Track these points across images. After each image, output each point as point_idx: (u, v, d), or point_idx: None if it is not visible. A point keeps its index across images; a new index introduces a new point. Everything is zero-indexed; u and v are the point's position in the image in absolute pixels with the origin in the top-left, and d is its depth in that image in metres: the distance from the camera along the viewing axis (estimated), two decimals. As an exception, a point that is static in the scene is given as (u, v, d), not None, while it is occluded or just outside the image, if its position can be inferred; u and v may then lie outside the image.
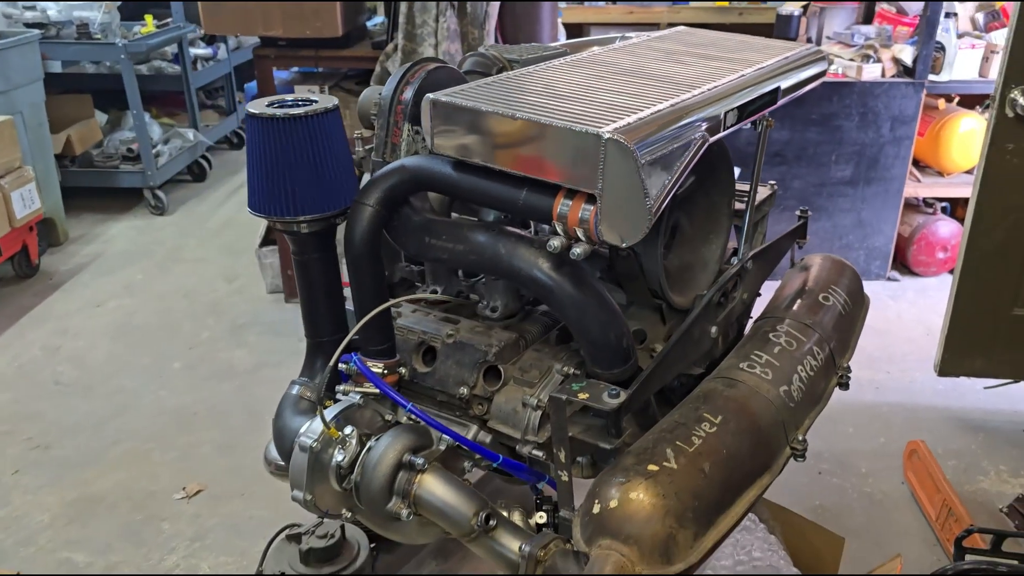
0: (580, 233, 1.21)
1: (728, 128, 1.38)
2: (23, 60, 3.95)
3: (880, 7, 3.71)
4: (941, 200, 3.84)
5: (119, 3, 4.51)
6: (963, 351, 2.74)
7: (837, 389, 1.68)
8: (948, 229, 3.71)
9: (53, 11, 4.40)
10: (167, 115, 5.36)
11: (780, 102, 1.56)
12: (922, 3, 3.33)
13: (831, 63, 3.52)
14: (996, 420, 2.87)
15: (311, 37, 3.01)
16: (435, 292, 1.59)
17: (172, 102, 5.45)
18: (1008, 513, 2.37)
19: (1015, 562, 1.90)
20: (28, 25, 4.31)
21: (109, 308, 3.71)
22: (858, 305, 1.84)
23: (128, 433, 2.86)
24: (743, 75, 1.46)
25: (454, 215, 1.56)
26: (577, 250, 1.22)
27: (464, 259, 1.36)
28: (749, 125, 1.54)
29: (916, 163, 3.73)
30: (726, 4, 4.73)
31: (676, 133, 1.23)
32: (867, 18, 3.79)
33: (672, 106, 1.26)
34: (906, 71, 3.41)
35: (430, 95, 1.29)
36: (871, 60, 3.35)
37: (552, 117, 1.19)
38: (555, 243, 1.23)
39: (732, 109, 1.37)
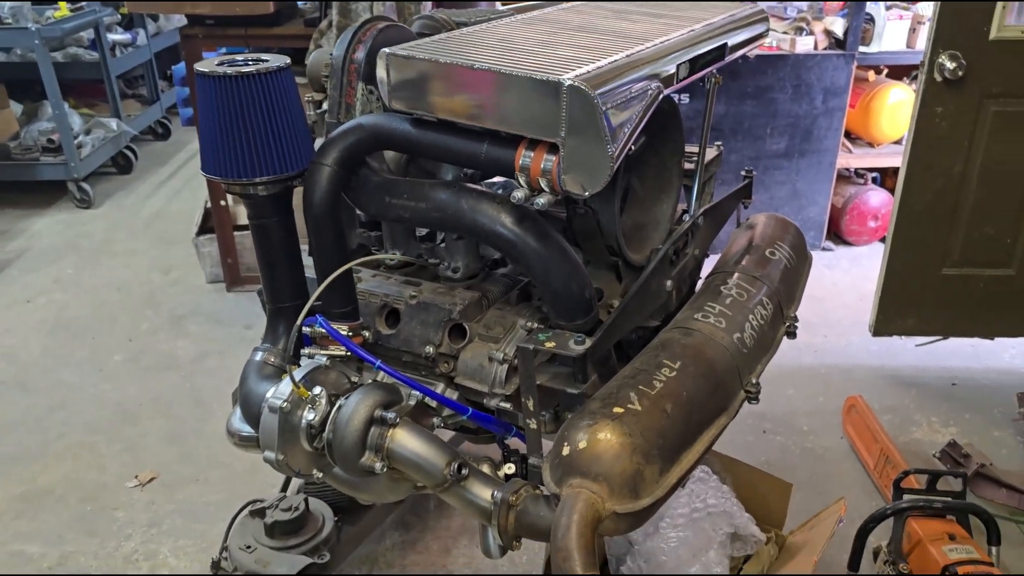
0: (543, 184, 1.23)
1: (681, 81, 1.42)
2: None
3: (812, -20, 3.83)
4: (872, 170, 3.99)
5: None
6: (896, 311, 2.86)
7: (785, 338, 1.75)
8: (879, 199, 3.85)
9: None
10: (86, 105, 5.14)
11: (727, 59, 1.61)
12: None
13: (769, 29, 3.62)
14: (927, 376, 3.02)
15: (241, 15, 2.94)
16: (394, 255, 1.59)
17: (90, 91, 5.21)
18: (940, 458, 2.50)
19: (948, 498, 2.02)
20: None
21: (39, 304, 3.58)
22: (802, 259, 1.92)
23: (71, 426, 2.77)
24: (692, 30, 1.50)
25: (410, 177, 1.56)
26: (540, 200, 1.23)
27: (426, 217, 1.37)
28: (693, 86, 1.58)
29: (848, 134, 3.86)
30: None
31: (633, 83, 1.26)
32: (800, -9, 3.90)
33: (627, 57, 1.29)
34: (837, 43, 3.52)
35: (386, 49, 1.29)
36: (804, 33, 3.45)
37: (512, 67, 1.21)
38: (518, 195, 1.25)
39: (684, 63, 1.40)
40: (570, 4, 1.72)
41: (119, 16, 5.19)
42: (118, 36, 5.16)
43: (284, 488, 2.09)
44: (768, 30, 1.78)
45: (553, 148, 1.21)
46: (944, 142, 2.61)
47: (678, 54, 1.40)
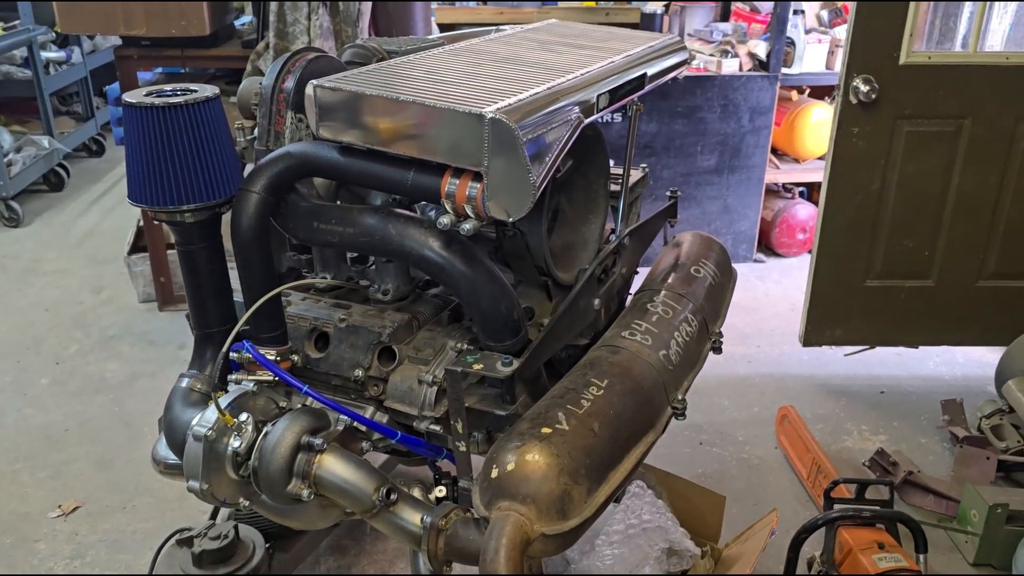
0: (468, 210, 1.26)
1: (601, 111, 1.46)
2: None
3: (735, 6, 3.96)
4: (799, 185, 4.13)
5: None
6: (823, 322, 2.96)
7: (712, 354, 1.80)
8: (806, 212, 3.99)
9: None
10: (18, 122, 5.06)
11: (647, 87, 1.67)
12: (772, 2, 3.58)
13: (693, 58, 3.73)
14: (856, 384, 3.11)
15: (177, 36, 2.91)
16: (324, 279, 1.60)
17: (23, 109, 5.14)
18: (870, 466, 2.57)
19: (876, 507, 2.08)
20: None
21: (-38, 325, 3.46)
22: (727, 276, 1.99)
23: (-8, 454, 2.69)
24: (612, 62, 1.55)
25: (339, 202, 1.58)
26: (466, 226, 1.26)
27: (355, 242, 1.39)
28: (620, 110, 1.63)
29: (775, 151, 4.00)
30: (593, 4, 4.91)
31: (554, 114, 1.30)
32: (724, 16, 4.03)
33: (548, 89, 1.33)
34: (761, 65, 3.65)
35: (314, 81, 1.31)
36: (729, 55, 3.57)
37: (436, 99, 1.24)
38: (444, 220, 1.28)
39: (604, 93, 1.45)
40: (497, 35, 1.76)
41: (54, 34, 5.13)
42: (52, 54, 5.09)
43: (213, 516, 2.06)
44: (687, 59, 1.85)
45: (477, 176, 1.24)
46: (862, 160, 2.72)
47: (598, 85, 1.44)
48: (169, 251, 3.45)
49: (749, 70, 3.63)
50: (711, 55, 3.60)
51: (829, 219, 2.81)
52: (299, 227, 1.42)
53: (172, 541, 1.96)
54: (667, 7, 3.83)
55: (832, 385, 3.11)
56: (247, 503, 1.43)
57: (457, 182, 1.25)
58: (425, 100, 1.23)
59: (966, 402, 2.79)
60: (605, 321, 1.72)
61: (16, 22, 4.66)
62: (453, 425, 1.34)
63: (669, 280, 1.79)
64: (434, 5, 4.72)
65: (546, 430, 1.30)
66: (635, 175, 1.94)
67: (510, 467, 1.26)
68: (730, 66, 3.54)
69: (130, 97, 1.33)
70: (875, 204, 2.77)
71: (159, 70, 3.49)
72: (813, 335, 2.98)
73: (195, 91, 1.36)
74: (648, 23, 3.68)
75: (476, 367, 1.31)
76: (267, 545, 1.97)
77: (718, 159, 3.71)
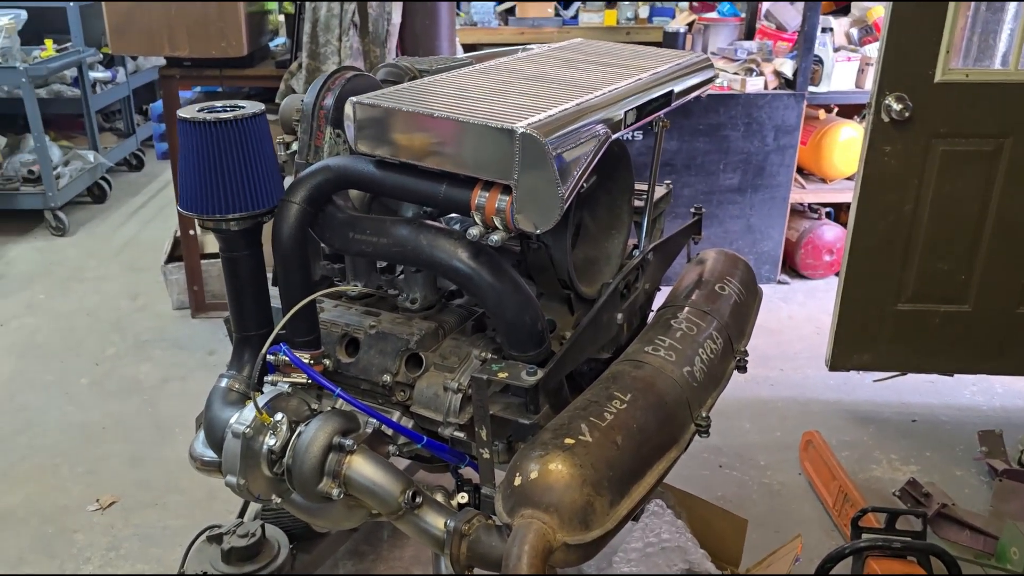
0: (497, 222, 1.31)
1: (627, 127, 1.51)
2: None
3: (761, 24, 3.99)
4: (825, 205, 4.14)
5: (19, 27, 4.41)
6: (851, 346, 2.88)
7: (736, 372, 1.82)
8: (833, 233, 3.98)
9: None
10: (66, 138, 5.28)
11: (674, 104, 1.71)
12: (799, 20, 3.61)
13: (717, 75, 3.76)
14: (886, 412, 3.04)
15: (216, 57, 3.02)
16: (356, 287, 1.66)
17: (71, 125, 5.38)
18: (900, 496, 2.48)
19: (909, 539, 1.99)
20: None
21: (11, 328, 3.60)
22: (752, 294, 2.01)
23: (35, 449, 2.79)
24: (639, 79, 1.59)
25: (373, 214, 1.63)
26: (494, 237, 1.31)
27: (387, 252, 1.44)
28: (646, 127, 1.67)
29: (801, 171, 4.01)
30: (614, 24, 4.97)
31: (582, 130, 1.35)
32: (749, 34, 4.06)
33: (577, 106, 1.38)
34: (787, 83, 3.67)
35: (353, 98, 1.37)
36: (754, 73, 3.60)
37: (469, 115, 1.29)
38: (474, 232, 1.32)
39: (631, 109, 1.50)
40: (524, 54, 1.81)
41: (101, 55, 5.36)
42: (99, 74, 5.32)
43: (241, 514, 2.13)
44: (714, 76, 1.89)
45: (507, 189, 1.29)
46: (894, 180, 2.68)
47: (625, 102, 1.49)
48: (203, 261, 3.56)
49: (774, 88, 3.66)
50: (735, 73, 3.63)
51: (859, 239, 2.77)
52: (335, 237, 1.47)
53: (203, 537, 2.02)
54: (690, 26, 3.87)
55: (860, 411, 3.05)
56: (279, 500, 1.48)
57: (487, 195, 1.30)
58: (458, 116, 1.29)
59: (1006, 434, 2.73)
60: (627, 336, 1.75)
61: (68, 44, 4.88)
62: (477, 432, 1.39)
63: (693, 297, 1.82)
64: (457, 26, 4.83)
65: (569, 441, 1.32)
66: (659, 191, 1.97)
67: (533, 475, 1.28)
68: (755, 84, 3.57)
69: (184, 113, 1.40)
70: (908, 225, 2.72)
71: (197, 89, 3.61)
72: (840, 359, 2.91)
73: (243, 107, 1.43)
74: (671, 42, 3.73)
75: (501, 375, 1.35)
76: (291, 545, 2.02)
77: (741, 178, 3.73)
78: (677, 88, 1.71)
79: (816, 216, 4.08)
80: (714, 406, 1.67)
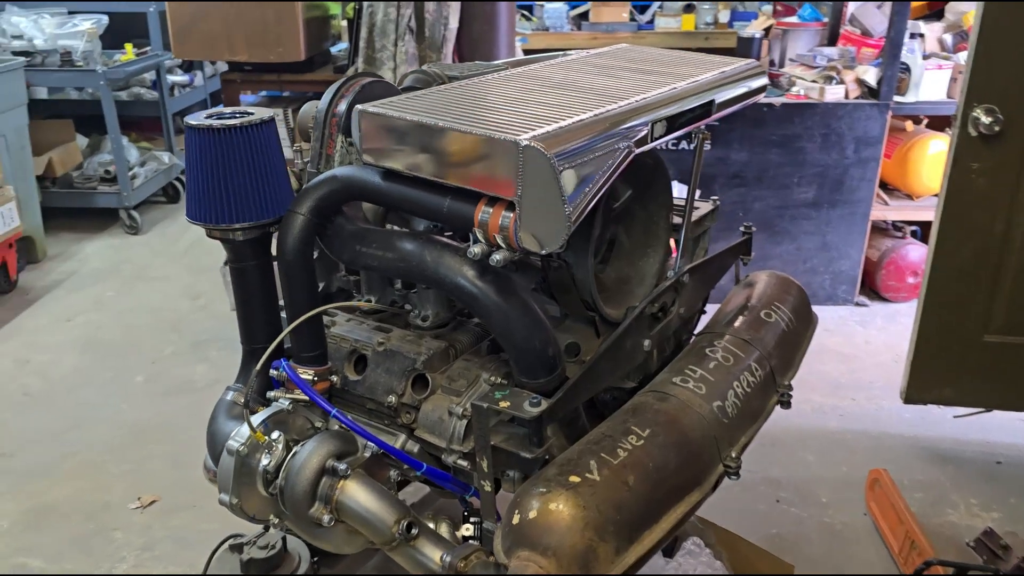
0: (500, 240, 1.22)
1: (657, 139, 1.39)
2: (6, 86, 4.06)
3: (844, 29, 3.76)
4: (911, 223, 3.86)
5: (100, 32, 4.58)
6: (930, 379, 2.66)
7: (779, 408, 1.67)
8: (918, 253, 3.71)
9: (39, 40, 4.50)
10: (145, 139, 5.47)
11: (716, 115, 1.58)
12: (886, 25, 3.37)
13: (793, 83, 3.56)
14: (967, 451, 2.79)
15: (275, 62, 3.04)
16: (369, 301, 1.60)
17: (150, 127, 5.57)
18: (975, 547, 2.25)
19: None
20: (15, 53, 4.42)
21: (78, 323, 3.71)
22: (804, 323, 1.85)
23: (86, 444, 2.85)
24: (675, 88, 1.47)
25: (389, 226, 1.57)
26: (497, 256, 1.22)
27: (393, 267, 1.37)
28: (684, 139, 1.56)
29: (884, 186, 3.75)
30: (692, 29, 4.80)
31: (598, 142, 1.24)
32: (832, 40, 3.83)
33: (595, 116, 1.28)
34: (871, 92, 3.44)
35: (359, 106, 1.31)
36: (834, 81, 3.39)
37: (474, 126, 1.21)
38: (476, 250, 1.24)
39: (660, 120, 1.38)
40: (560, 60, 1.72)
41: (180, 60, 5.51)
42: (178, 77, 5.49)
43: (267, 525, 2.09)
44: (765, 86, 1.74)
45: (512, 206, 1.20)
46: (982, 199, 2.46)
47: (655, 112, 1.37)
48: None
49: (856, 97, 3.43)
50: (813, 81, 3.42)
51: (940, 263, 2.55)
52: (343, 250, 1.41)
53: (225, 546, 2.00)
54: (767, 31, 3.67)
55: (938, 450, 2.80)
56: (276, 520, 1.43)
57: (491, 211, 1.22)
58: (460, 126, 1.20)
59: (1106, 483, 2.47)
60: (658, 364, 1.63)
61: (147, 48, 5.04)
62: (478, 463, 1.30)
63: (736, 324, 1.68)
64: (527, 32, 4.75)
65: (574, 478, 1.22)
66: (704, 207, 1.84)
67: (532, 515, 1.19)
68: (834, 93, 3.35)
69: (191, 119, 1.37)
70: (997, 249, 2.49)
71: (263, 93, 3.66)
72: (917, 392, 2.69)
73: (251, 114, 1.39)
74: (745, 48, 3.54)
75: (503, 404, 1.26)
76: (313, 559, 1.97)
77: (817, 192, 3.51)
78: (720, 97, 1.58)
79: (900, 235, 3.81)
80: (755, 440, 1.54)
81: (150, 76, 5.23)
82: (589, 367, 1.37)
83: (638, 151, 1.33)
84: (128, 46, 4.84)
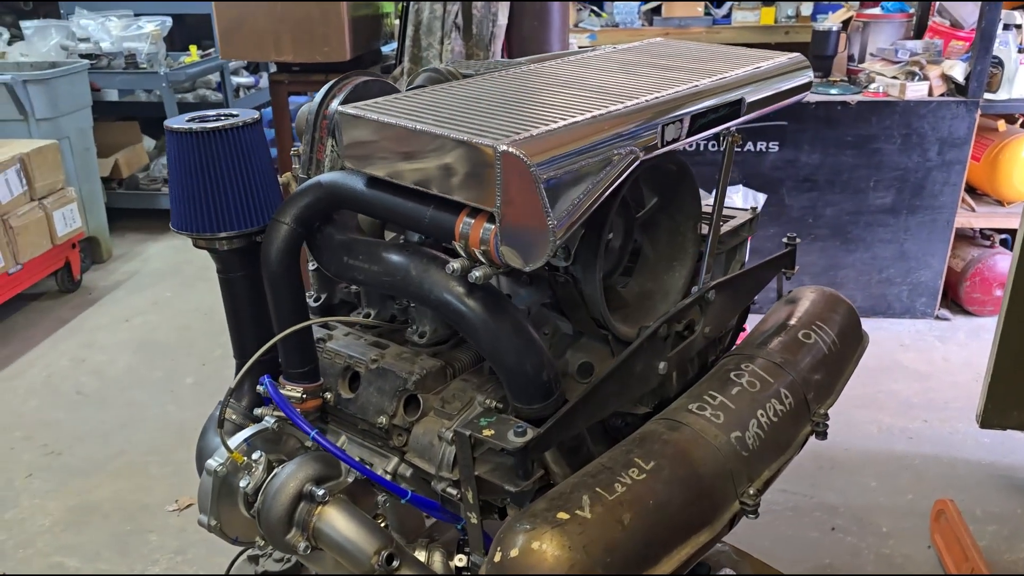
0: (480, 254, 1.11)
1: (671, 143, 1.26)
2: (71, 88, 4.16)
3: (933, 20, 3.47)
4: (1000, 231, 3.55)
5: (164, 34, 4.68)
6: (1010, 401, 2.46)
7: (813, 438, 1.51)
8: (1008, 264, 3.40)
9: (106, 43, 4.62)
10: None
11: (749, 115, 1.43)
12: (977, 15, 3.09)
13: (872, 80, 3.30)
14: None
15: (322, 62, 3.00)
16: (368, 315, 1.51)
17: None
18: None
19: None
20: (82, 56, 4.54)
21: (135, 323, 3.79)
22: (850, 346, 1.67)
23: (132, 444, 2.89)
24: (695, 86, 1.33)
25: (389, 235, 1.48)
26: (477, 272, 1.12)
27: (379, 280, 1.28)
28: (712, 140, 1.41)
29: (971, 190, 3.46)
30: (771, 23, 4.56)
31: (592, 148, 1.12)
32: (919, 33, 3.55)
33: (591, 118, 1.15)
34: (957, 89, 3.16)
35: (340, 107, 1.22)
36: (916, 77, 3.12)
37: (451, 129, 1.10)
38: (456, 265, 1.14)
39: (673, 122, 1.25)
40: (583, 56, 1.59)
41: (245, 61, 5.57)
42: (243, 79, 5.57)
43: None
44: (810, 82, 1.57)
45: (494, 217, 1.09)
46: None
47: (666, 114, 1.24)
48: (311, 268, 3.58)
49: (941, 95, 3.15)
50: (893, 77, 3.16)
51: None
52: (331, 261, 1.34)
53: (243, 557, 1.96)
54: (846, 24, 3.43)
55: (1015, 479, 2.58)
56: (263, 543, 1.36)
57: (472, 222, 1.12)
58: (436, 130, 1.10)
59: None
60: (679, 388, 1.49)
61: (212, 49, 5.11)
62: (463, 493, 1.20)
63: (769, 345, 1.52)
64: (597, 28, 4.60)
65: (563, 515, 1.11)
66: (742, 216, 1.68)
67: (513, 553, 1.09)
68: (916, 90, 3.09)
69: (172, 123, 1.32)
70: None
71: (314, 95, 3.64)
72: (995, 416, 2.48)
73: (235, 116, 1.33)
74: (820, 42, 3.31)
75: (486, 433, 1.16)
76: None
77: (895, 197, 3.25)
78: (752, 96, 1.42)
79: (988, 244, 3.51)
80: (774, 480, 1.39)
81: (216, 78, 5.29)
82: (589, 392, 1.25)
83: (645, 157, 1.20)
84: (193, 48, 4.92)
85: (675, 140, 1.27)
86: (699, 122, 1.31)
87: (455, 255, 1.19)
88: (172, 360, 3.43)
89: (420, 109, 1.21)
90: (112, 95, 5.11)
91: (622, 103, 1.22)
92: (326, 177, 1.30)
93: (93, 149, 4.36)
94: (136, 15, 4.86)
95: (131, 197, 4.83)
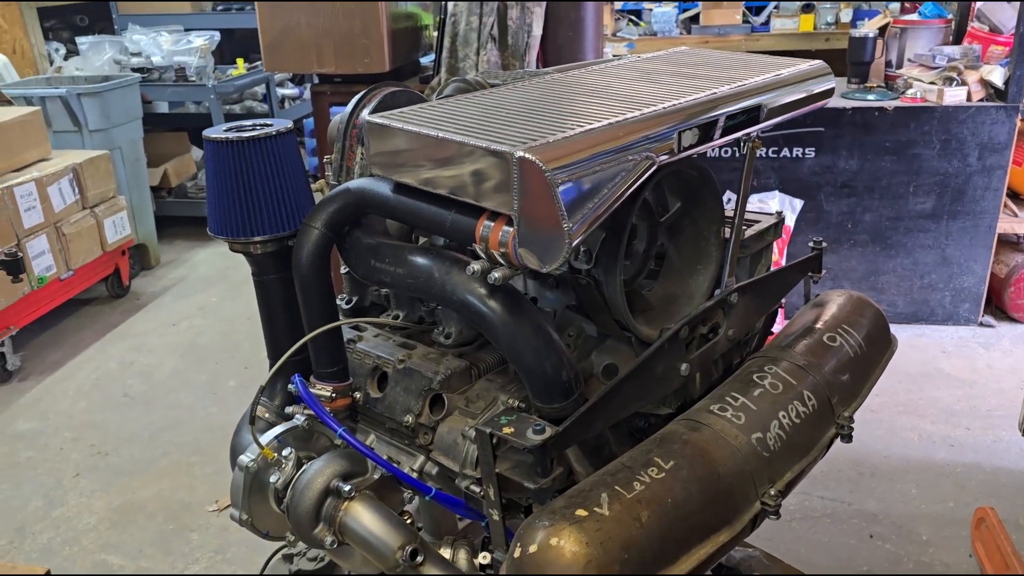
0: (500, 256, 1.15)
1: (687, 149, 1.28)
2: (123, 101, 4.33)
3: (972, 26, 3.42)
4: (1045, 237, 3.48)
5: (213, 48, 4.83)
6: None
7: (839, 441, 1.51)
8: (1055, 270, 3.33)
9: (157, 57, 4.79)
10: None
11: (768, 122, 1.45)
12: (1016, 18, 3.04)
13: (910, 85, 3.26)
14: None
15: (363, 73, 3.08)
16: (396, 317, 1.56)
17: None
18: None
19: None
20: (134, 70, 4.73)
21: (182, 328, 3.91)
22: (877, 350, 1.66)
23: (177, 445, 2.98)
24: (714, 93, 1.35)
25: (417, 240, 1.53)
26: (496, 274, 1.16)
27: (403, 283, 1.32)
28: (732, 146, 1.43)
29: (1013, 195, 3.40)
30: (811, 30, 4.53)
31: (608, 154, 1.15)
32: (957, 38, 3.50)
33: (608, 125, 1.18)
34: (997, 94, 3.12)
35: (368, 116, 1.27)
36: (954, 83, 3.08)
37: (472, 137, 1.14)
38: (476, 267, 1.18)
39: (690, 129, 1.27)
40: (607, 65, 1.62)
41: (290, 73, 5.68)
42: (288, 91, 5.71)
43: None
44: (831, 89, 1.58)
45: (512, 220, 1.13)
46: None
47: (683, 120, 1.26)
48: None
49: (980, 100, 3.11)
50: (931, 83, 3.12)
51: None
52: (359, 264, 1.38)
53: (278, 556, 2.02)
54: (883, 30, 3.39)
55: (1062, 488, 2.53)
56: (292, 537, 1.41)
57: (491, 225, 1.15)
58: (457, 137, 1.14)
59: None
60: (701, 389, 1.50)
61: (258, 63, 5.23)
62: (485, 490, 1.23)
63: (794, 348, 1.53)
64: (635, 36, 4.62)
65: (581, 512, 1.14)
66: (766, 220, 1.69)
67: (532, 549, 1.12)
68: (955, 95, 3.05)
69: (210, 132, 1.38)
70: None
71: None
72: (1038, 422, 2.44)
73: (270, 126, 1.38)
74: (857, 48, 3.29)
75: (506, 430, 1.19)
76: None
77: (936, 202, 3.21)
78: (772, 103, 1.44)
79: (1032, 249, 3.44)
80: (798, 482, 1.39)
81: (261, 90, 5.45)
82: (608, 392, 1.27)
83: (661, 162, 1.22)
84: (240, 61, 5.06)
85: (692, 146, 1.29)
86: (717, 128, 1.33)
87: (477, 258, 1.22)
88: (216, 363, 3.53)
89: (444, 118, 1.25)
90: (163, 107, 5.29)
91: (639, 110, 1.25)
92: (355, 183, 1.35)
93: (143, 159, 4.52)
94: (186, 30, 5.03)
95: (179, 205, 4.99)
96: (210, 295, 4.26)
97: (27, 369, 3.55)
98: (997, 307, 3.47)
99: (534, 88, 1.43)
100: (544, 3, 2.83)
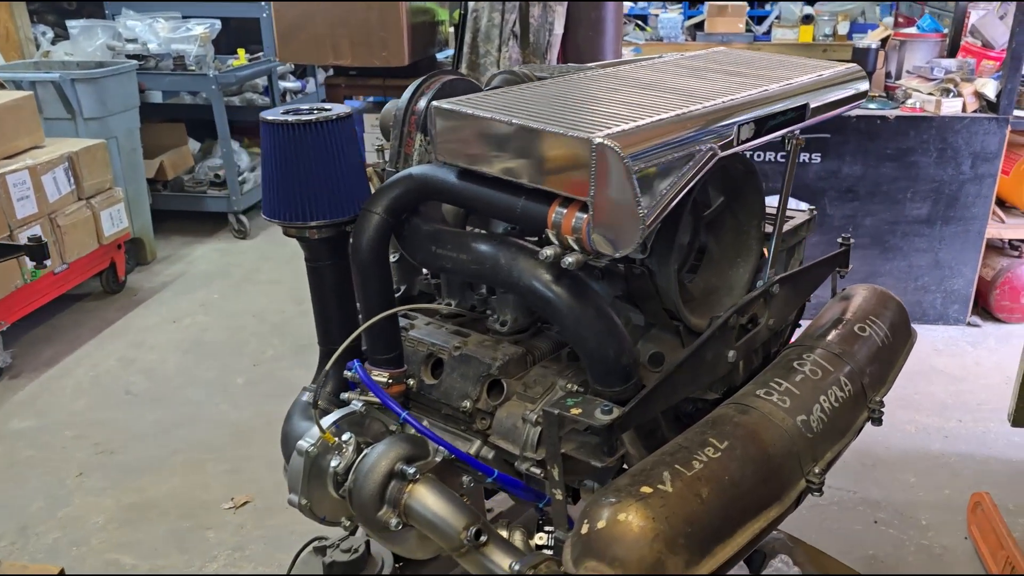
0: (573, 242, 1.19)
1: (744, 143, 1.33)
2: (120, 89, 4.18)
3: (965, 41, 3.56)
4: (1028, 243, 3.61)
5: (213, 37, 4.72)
6: None
7: (879, 428, 1.58)
8: (1036, 273, 3.47)
9: (153, 44, 4.65)
10: (257, 145, 5.59)
11: (812, 120, 1.51)
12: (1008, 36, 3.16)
13: (909, 95, 3.37)
14: None
15: (379, 66, 3.08)
16: (449, 305, 1.59)
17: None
18: None
19: None
20: (129, 57, 4.57)
21: (184, 324, 3.87)
22: (901, 339, 1.74)
23: (188, 443, 2.95)
24: (765, 90, 1.41)
25: (469, 228, 1.56)
26: (569, 259, 1.19)
27: (467, 269, 1.36)
28: (781, 141, 1.49)
29: (1001, 203, 3.53)
30: (810, 41, 4.65)
31: (678, 143, 1.20)
32: (952, 51, 3.63)
33: (676, 116, 1.23)
34: (989, 106, 3.24)
35: (435, 102, 1.30)
36: (951, 94, 3.20)
37: (547, 123, 1.18)
38: (548, 252, 1.21)
39: (747, 123, 1.32)
40: (654, 61, 1.67)
41: (292, 66, 5.59)
42: (290, 84, 5.58)
43: (354, 529, 2.11)
44: (866, 91, 1.65)
45: (586, 207, 1.17)
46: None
47: (742, 114, 1.32)
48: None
49: (974, 111, 3.24)
50: (929, 94, 3.24)
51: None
52: (418, 251, 1.41)
53: (309, 548, 2.02)
54: (883, 42, 3.51)
55: (1048, 476, 2.66)
56: (348, 523, 1.43)
57: (564, 211, 1.19)
58: (534, 124, 1.18)
59: None
60: (744, 376, 1.56)
61: (260, 54, 5.14)
62: (549, 471, 1.26)
63: (828, 337, 1.60)
64: (642, 41, 4.70)
65: (646, 489, 1.18)
66: (801, 216, 1.75)
67: (601, 524, 1.16)
68: (951, 106, 3.17)
69: (267, 115, 1.39)
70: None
71: (368, 99, 3.71)
72: (1025, 416, 2.54)
73: (328, 110, 1.40)
74: (860, 59, 3.39)
75: (574, 411, 1.22)
76: (397, 564, 1.97)
77: (931, 208, 3.33)
78: (815, 102, 1.50)
79: (1016, 254, 3.60)
80: (836, 462, 1.45)
81: (263, 82, 5.31)
82: (666, 377, 1.32)
83: (723, 154, 1.28)
84: (241, 51, 4.92)
85: (749, 140, 1.35)
86: (769, 124, 1.39)
87: (544, 244, 1.26)
88: (222, 361, 3.50)
89: (511, 105, 1.29)
90: (156, 97, 5.11)
91: (701, 103, 1.30)
92: (417, 170, 1.38)
93: (140, 150, 4.39)
94: (184, 17, 4.88)
95: (176, 199, 4.88)
96: (212, 292, 4.21)
97: (18, 366, 3.48)
98: (983, 308, 3.61)
99: (589, 81, 1.47)
100: (566, 2, 2.88)
